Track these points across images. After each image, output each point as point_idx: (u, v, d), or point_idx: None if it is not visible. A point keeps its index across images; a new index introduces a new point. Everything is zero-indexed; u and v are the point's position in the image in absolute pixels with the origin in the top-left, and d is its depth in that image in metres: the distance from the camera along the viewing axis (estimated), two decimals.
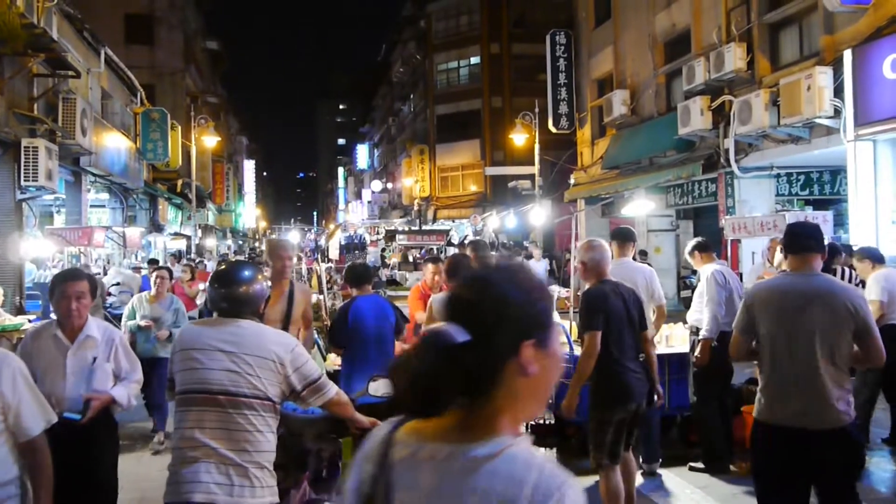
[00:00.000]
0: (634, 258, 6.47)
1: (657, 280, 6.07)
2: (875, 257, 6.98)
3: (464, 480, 1.25)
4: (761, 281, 4.39)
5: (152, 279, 7.72)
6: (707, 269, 6.27)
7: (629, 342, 4.67)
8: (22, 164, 11.02)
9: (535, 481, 1.22)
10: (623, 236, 6.04)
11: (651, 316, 5.81)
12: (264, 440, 2.90)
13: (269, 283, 4.67)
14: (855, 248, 7.89)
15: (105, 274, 15.54)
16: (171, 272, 8.60)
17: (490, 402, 1.31)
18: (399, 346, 5.82)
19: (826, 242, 3.90)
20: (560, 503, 1.22)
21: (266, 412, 2.91)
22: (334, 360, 6.17)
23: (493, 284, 1.35)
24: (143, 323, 7.16)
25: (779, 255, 7.31)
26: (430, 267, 7.04)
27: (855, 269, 8.24)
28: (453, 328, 1.29)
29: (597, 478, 5.93)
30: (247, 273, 3.15)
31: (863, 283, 7.34)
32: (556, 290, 10.82)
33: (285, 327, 4.81)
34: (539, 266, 17.29)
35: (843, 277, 7.73)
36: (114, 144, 16.47)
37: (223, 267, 3.36)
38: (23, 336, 7.75)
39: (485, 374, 1.30)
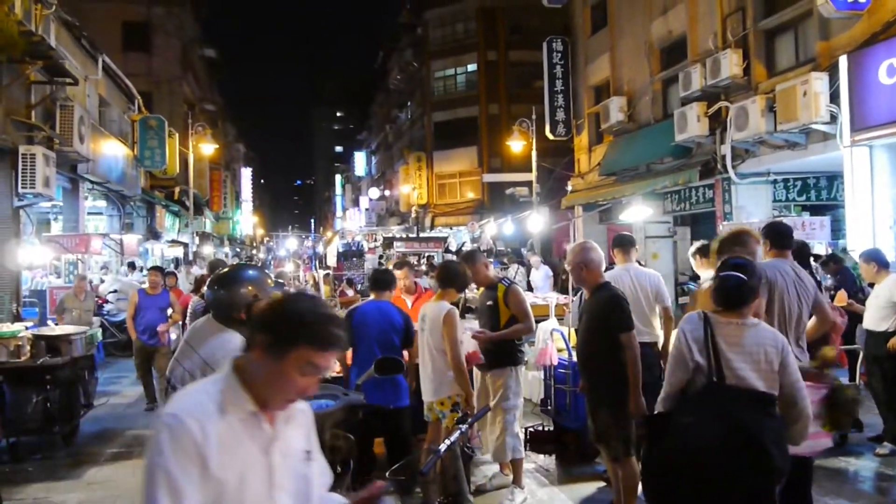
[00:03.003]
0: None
1: (663, 285, 6.25)
2: (881, 261, 6.95)
3: (752, 331, 3.28)
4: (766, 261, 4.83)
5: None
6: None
7: None
8: (19, 171, 11.03)
9: (778, 335, 3.35)
10: (626, 242, 6.33)
11: (658, 320, 6.09)
12: None
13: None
14: (848, 251, 7.89)
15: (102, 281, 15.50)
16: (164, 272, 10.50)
17: (749, 306, 3.33)
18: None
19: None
20: (785, 344, 3.31)
21: None
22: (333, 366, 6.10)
23: (749, 264, 3.43)
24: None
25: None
26: (401, 272, 7.13)
27: (827, 274, 8.42)
28: (738, 274, 3.33)
29: (597, 484, 5.98)
30: (239, 276, 3.12)
31: (857, 286, 7.36)
32: (555, 297, 10.80)
33: None
34: (539, 274, 17.20)
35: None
36: (111, 152, 16.48)
37: (225, 270, 3.26)
38: (20, 343, 7.49)
39: (753, 293, 3.37)
